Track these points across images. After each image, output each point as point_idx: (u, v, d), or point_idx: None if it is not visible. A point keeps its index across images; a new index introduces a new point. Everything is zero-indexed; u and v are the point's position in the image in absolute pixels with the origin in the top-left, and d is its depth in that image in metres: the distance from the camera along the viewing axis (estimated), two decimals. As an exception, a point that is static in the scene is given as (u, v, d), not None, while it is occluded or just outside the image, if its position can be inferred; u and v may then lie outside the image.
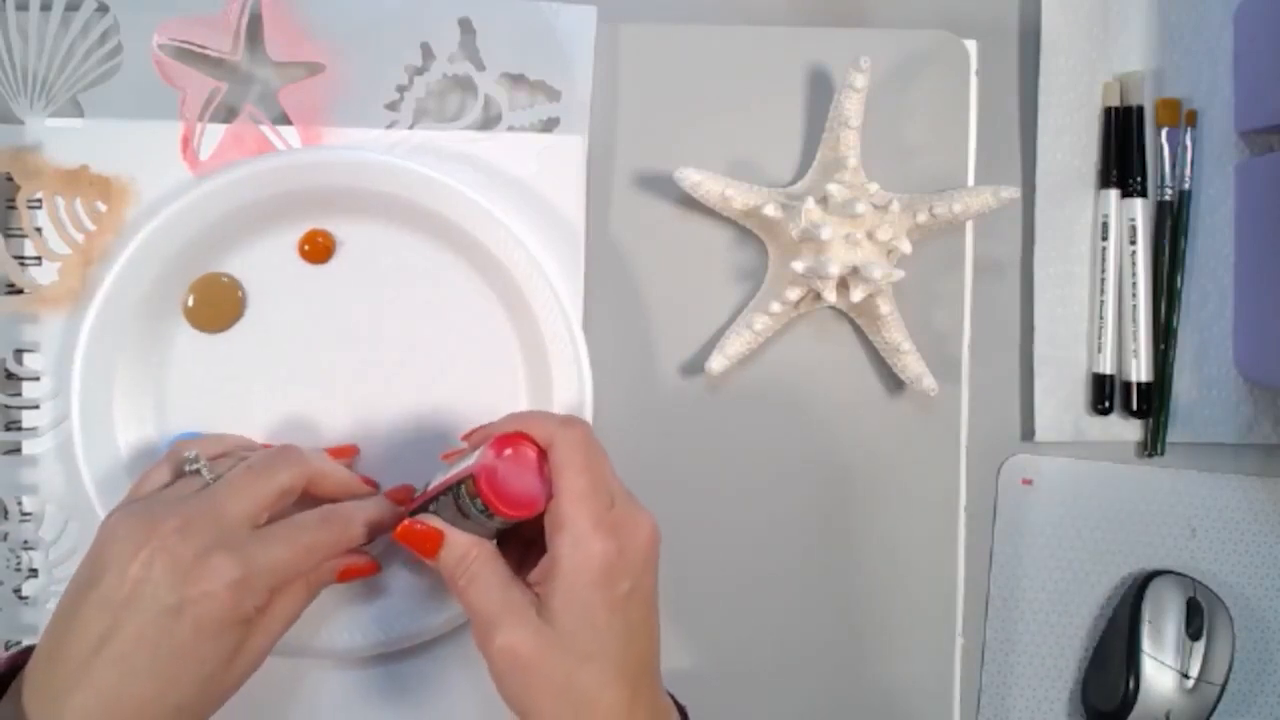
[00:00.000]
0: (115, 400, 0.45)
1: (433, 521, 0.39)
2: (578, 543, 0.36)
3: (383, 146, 0.47)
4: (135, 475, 0.45)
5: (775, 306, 0.46)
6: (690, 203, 0.47)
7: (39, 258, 0.47)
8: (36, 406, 0.47)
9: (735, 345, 0.47)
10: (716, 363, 0.47)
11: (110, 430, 0.45)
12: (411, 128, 0.47)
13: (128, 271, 0.45)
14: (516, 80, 0.48)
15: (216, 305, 0.47)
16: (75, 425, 0.45)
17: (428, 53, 0.47)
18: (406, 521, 0.39)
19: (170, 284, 0.46)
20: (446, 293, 0.47)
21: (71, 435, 0.45)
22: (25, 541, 0.47)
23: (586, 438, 0.38)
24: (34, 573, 0.47)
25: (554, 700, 0.36)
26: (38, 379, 0.47)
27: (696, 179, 0.46)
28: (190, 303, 0.47)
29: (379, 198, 0.46)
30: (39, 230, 0.46)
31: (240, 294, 0.47)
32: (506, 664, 0.36)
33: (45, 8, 0.46)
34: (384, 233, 0.47)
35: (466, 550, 0.38)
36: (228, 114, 0.47)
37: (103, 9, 0.46)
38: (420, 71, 0.47)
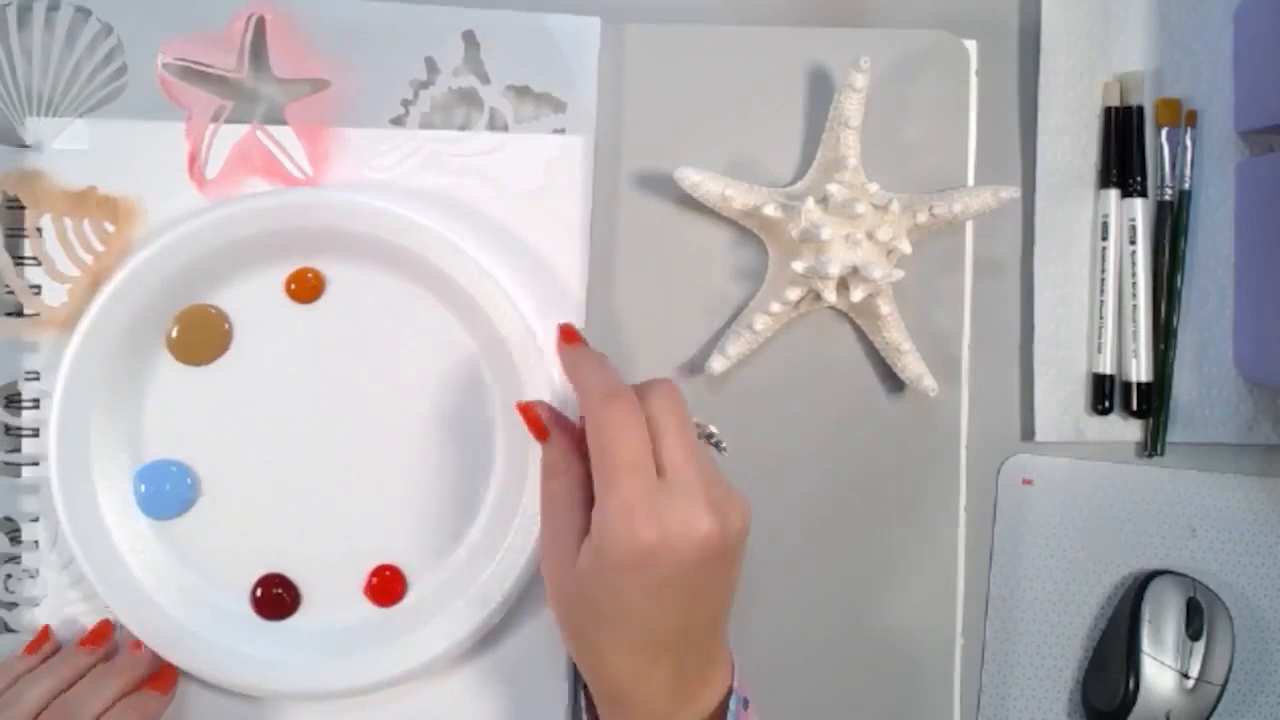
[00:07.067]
0: (92, 427, 0.45)
1: (543, 414, 0.40)
2: (610, 522, 0.35)
3: (391, 148, 0.47)
4: (108, 503, 0.45)
5: (775, 306, 0.46)
6: (690, 203, 0.47)
7: (44, 281, 0.46)
8: (36, 433, 0.46)
9: (736, 345, 0.47)
10: (717, 363, 0.47)
11: (86, 456, 0.45)
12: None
13: (114, 301, 0.44)
14: (521, 93, 0.48)
15: (202, 337, 0.46)
16: (51, 451, 0.44)
17: (432, 66, 0.47)
18: (533, 401, 0.41)
19: (156, 315, 0.45)
20: (430, 340, 0.47)
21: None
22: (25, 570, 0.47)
23: (671, 394, 0.38)
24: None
25: (575, 641, 0.39)
26: (36, 405, 0.46)
27: (696, 179, 0.46)
28: (175, 334, 0.46)
29: (369, 241, 0.45)
30: (46, 252, 0.46)
31: (227, 328, 0.46)
32: (549, 591, 0.40)
33: (49, 26, 0.46)
34: (374, 276, 0.47)
35: (555, 463, 0.40)
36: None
37: (107, 29, 0.46)
38: (425, 85, 0.47)
